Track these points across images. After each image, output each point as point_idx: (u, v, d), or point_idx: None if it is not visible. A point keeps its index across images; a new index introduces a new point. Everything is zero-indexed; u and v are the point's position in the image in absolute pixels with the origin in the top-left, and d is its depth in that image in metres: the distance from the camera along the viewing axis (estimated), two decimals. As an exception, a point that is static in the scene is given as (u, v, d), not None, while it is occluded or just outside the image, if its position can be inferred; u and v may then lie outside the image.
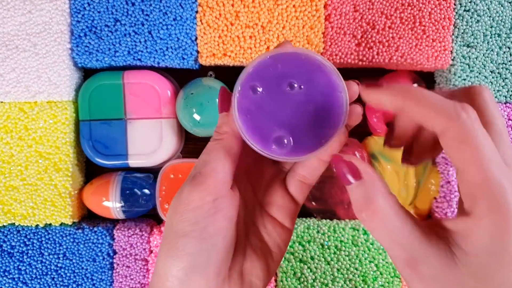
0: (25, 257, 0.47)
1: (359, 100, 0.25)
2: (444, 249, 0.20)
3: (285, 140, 0.24)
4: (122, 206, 0.48)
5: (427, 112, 0.21)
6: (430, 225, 0.22)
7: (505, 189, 0.19)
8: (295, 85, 0.24)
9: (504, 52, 0.47)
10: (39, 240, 0.47)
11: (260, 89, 0.24)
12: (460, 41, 0.47)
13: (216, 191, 0.24)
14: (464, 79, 0.47)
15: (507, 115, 0.47)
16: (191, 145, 0.51)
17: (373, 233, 0.22)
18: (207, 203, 0.23)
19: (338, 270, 0.46)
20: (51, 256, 0.47)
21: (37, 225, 0.48)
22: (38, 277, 0.47)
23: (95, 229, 0.47)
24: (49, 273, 0.47)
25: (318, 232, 0.47)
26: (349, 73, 0.51)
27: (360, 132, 0.50)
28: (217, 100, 0.46)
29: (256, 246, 0.26)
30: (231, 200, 0.25)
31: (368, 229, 0.22)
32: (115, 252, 0.48)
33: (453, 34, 0.47)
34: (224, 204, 0.24)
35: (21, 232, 0.47)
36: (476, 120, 0.20)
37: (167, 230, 0.24)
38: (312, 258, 0.47)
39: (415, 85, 0.49)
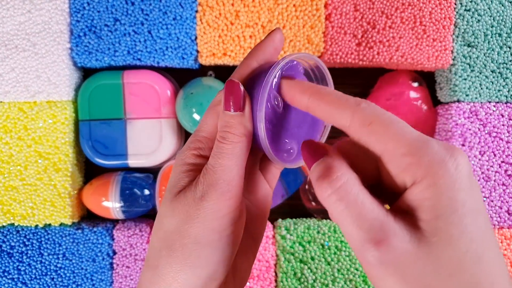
0: (24, 257, 0.47)
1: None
2: (411, 224, 0.19)
3: (292, 150, 0.25)
4: (121, 206, 0.48)
5: (331, 108, 0.21)
6: (394, 207, 0.20)
7: (428, 143, 0.19)
8: None
9: (505, 51, 0.47)
10: (39, 240, 0.47)
11: (280, 101, 0.24)
12: (460, 41, 0.47)
13: (240, 198, 0.23)
14: (465, 79, 0.47)
15: (507, 115, 0.47)
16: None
17: (335, 209, 0.20)
18: (235, 210, 0.23)
19: (338, 270, 0.46)
20: (50, 256, 0.47)
21: (36, 225, 0.48)
22: (38, 277, 0.47)
23: (95, 229, 0.47)
24: (49, 273, 0.47)
25: (318, 232, 0.47)
26: (349, 72, 0.50)
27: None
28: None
29: (242, 238, 0.26)
30: (243, 204, 0.25)
31: (328, 206, 0.20)
32: (114, 252, 0.48)
33: (453, 33, 0.47)
34: (242, 209, 0.24)
35: (20, 232, 0.47)
36: (376, 106, 0.20)
37: (180, 239, 0.23)
38: (312, 259, 0.46)
39: (416, 84, 0.49)
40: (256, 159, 0.28)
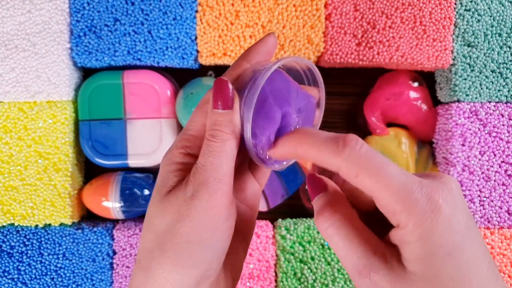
0: (24, 257, 0.47)
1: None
2: (395, 260, 0.21)
3: None
4: (121, 206, 0.48)
5: (317, 156, 0.22)
6: (384, 241, 0.22)
7: (412, 193, 0.20)
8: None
9: (505, 51, 0.47)
10: (39, 240, 0.47)
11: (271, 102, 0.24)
12: (460, 41, 0.47)
13: (230, 196, 0.23)
14: (465, 79, 0.47)
15: (508, 115, 0.47)
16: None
17: (331, 240, 0.22)
18: (226, 208, 0.23)
19: (338, 270, 0.46)
20: (50, 256, 0.47)
21: (36, 225, 0.48)
22: (38, 277, 0.47)
23: (95, 229, 0.47)
24: (49, 273, 0.47)
25: (318, 232, 0.47)
26: (349, 72, 0.50)
27: (360, 132, 0.50)
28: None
29: (233, 236, 0.26)
30: (234, 202, 0.25)
31: (326, 237, 0.23)
32: (114, 252, 0.48)
33: (453, 33, 0.47)
34: (233, 207, 0.24)
35: (20, 232, 0.47)
36: (359, 147, 0.21)
37: (172, 239, 0.23)
38: (312, 259, 0.46)
39: (416, 84, 0.49)
40: (244, 157, 0.28)
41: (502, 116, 0.47)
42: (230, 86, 0.24)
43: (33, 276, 0.47)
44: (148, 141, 0.47)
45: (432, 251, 0.20)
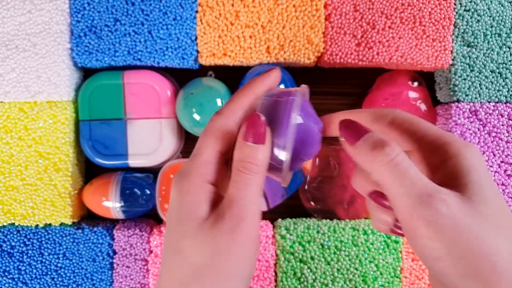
0: (25, 257, 0.47)
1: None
2: (457, 191, 0.22)
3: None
4: (122, 206, 0.48)
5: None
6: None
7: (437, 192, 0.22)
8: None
9: (504, 51, 0.47)
10: (39, 240, 0.47)
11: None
12: (460, 41, 0.47)
13: (257, 232, 0.24)
14: (465, 79, 0.47)
15: (507, 115, 0.47)
16: (191, 145, 0.51)
17: (396, 170, 0.22)
18: (259, 239, 0.24)
19: (338, 270, 0.46)
20: (51, 256, 0.47)
21: (37, 225, 0.48)
22: (38, 277, 0.47)
23: (95, 229, 0.47)
24: (49, 273, 0.47)
25: (318, 232, 0.47)
26: (349, 73, 0.51)
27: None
28: (217, 100, 0.46)
29: None
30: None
31: (391, 166, 0.22)
32: (115, 252, 0.48)
33: (453, 34, 0.47)
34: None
35: (21, 232, 0.47)
36: (396, 153, 0.22)
37: (212, 273, 0.23)
38: (312, 258, 0.47)
39: (416, 83, 0.49)
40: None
41: (502, 116, 0.47)
42: (264, 120, 0.24)
43: (34, 275, 0.47)
44: (148, 141, 0.47)
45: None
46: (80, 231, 0.47)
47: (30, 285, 0.47)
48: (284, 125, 0.24)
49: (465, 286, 0.21)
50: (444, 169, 0.23)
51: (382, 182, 0.23)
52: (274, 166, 0.25)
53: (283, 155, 0.25)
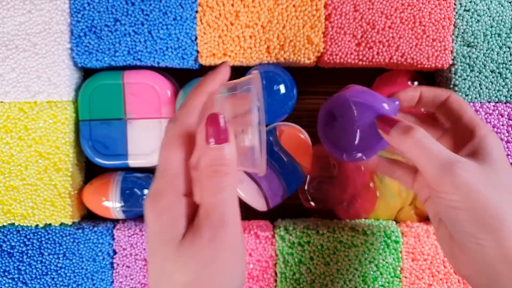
0: (25, 257, 0.47)
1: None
2: (475, 158, 0.29)
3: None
4: (122, 206, 0.48)
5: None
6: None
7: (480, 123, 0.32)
8: None
9: (504, 51, 0.47)
10: (39, 240, 0.47)
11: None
12: (460, 41, 0.47)
13: (240, 236, 0.24)
14: (465, 79, 0.47)
15: (507, 115, 0.47)
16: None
17: (416, 155, 0.29)
18: (243, 238, 0.24)
19: (338, 270, 0.46)
20: (51, 256, 0.47)
21: (37, 225, 0.48)
22: (38, 277, 0.47)
23: (95, 229, 0.47)
24: (49, 273, 0.47)
25: (317, 232, 0.47)
26: (349, 73, 0.51)
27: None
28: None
29: None
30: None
31: (411, 152, 0.29)
32: (115, 252, 0.48)
33: (453, 34, 0.47)
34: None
35: (21, 232, 0.47)
36: (422, 134, 0.29)
37: (201, 286, 0.22)
38: (311, 259, 0.47)
39: (416, 83, 0.49)
40: None
41: (502, 116, 0.47)
42: (222, 117, 0.23)
43: (34, 275, 0.47)
44: (148, 141, 0.47)
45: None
46: (80, 231, 0.47)
47: (30, 285, 0.47)
48: (248, 113, 0.24)
49: (473, 228, 0.27)
50: (470, 146, 0.30)
51: (413, 158, 0.29)
52: (246, 157, 0.25)
53: (252, 142, 0.24)
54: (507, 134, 0.47)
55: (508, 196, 0.28)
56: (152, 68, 0.48)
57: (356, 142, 0.34)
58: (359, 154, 0.35)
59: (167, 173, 0.24)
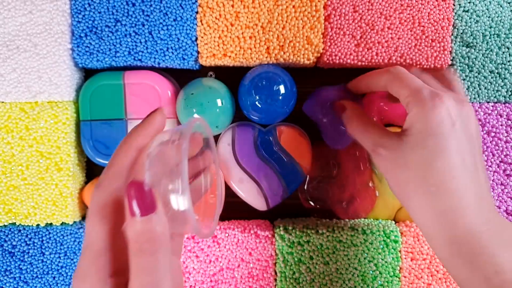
0: (26, 256, 0.48)
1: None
2: (395, 137, 0.33)
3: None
4: (122, 206, 0.48)
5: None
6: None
7: (421, 92, 0.32)
8: None
9: (503, 52, 0.47)
10: (40, 239, 0.48)
11: None
12: (459, 41, 0.47)
13: None
14: (464, 79, 0.47)
15: (506, 115, 0.47)
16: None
17: (354, 130, 0.37)
18: None
19: (337, 270, 0.47)
20: (52, 256, 0.48)
21: (38, 225, 0.48)
22: (39, 276, 0.48)
23: (96, 228, 0.48)
24: (50, 272, 0.48)
25: (317, 232, 0.47)
26: (348, 73, 0.51)
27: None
28: (217, 101, 0.46)
29: None
30: None
31: (349, 127, 0.38)
32: (115, 252, 0.48)
33: (452, 34, 0.47)
34: None
35: (22, 231, 0.48)
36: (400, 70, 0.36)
37: None
38: (311, 258, 0.47)
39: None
40: None
41: (501, 116, 0.48)
42: (147, 184, 0.20)
43: (35, 275, 0.48)
44: (148, 141, 0.47)
45: (424, 130, 0.31)
46: (81, 230, 0.48)
47: (31, 284, 0.48)
48: (178, 174, 0.21)
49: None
50: (405, 123, 0.34)
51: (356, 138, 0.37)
52: (179, 223, 0.21)
53: (183, 205, 0.20)
54: (506, 134, 0.47)
55: (413, 173, 0.31)
56: (152, 68, 0.48)
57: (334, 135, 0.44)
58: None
59: (90, 251, 0.21)
